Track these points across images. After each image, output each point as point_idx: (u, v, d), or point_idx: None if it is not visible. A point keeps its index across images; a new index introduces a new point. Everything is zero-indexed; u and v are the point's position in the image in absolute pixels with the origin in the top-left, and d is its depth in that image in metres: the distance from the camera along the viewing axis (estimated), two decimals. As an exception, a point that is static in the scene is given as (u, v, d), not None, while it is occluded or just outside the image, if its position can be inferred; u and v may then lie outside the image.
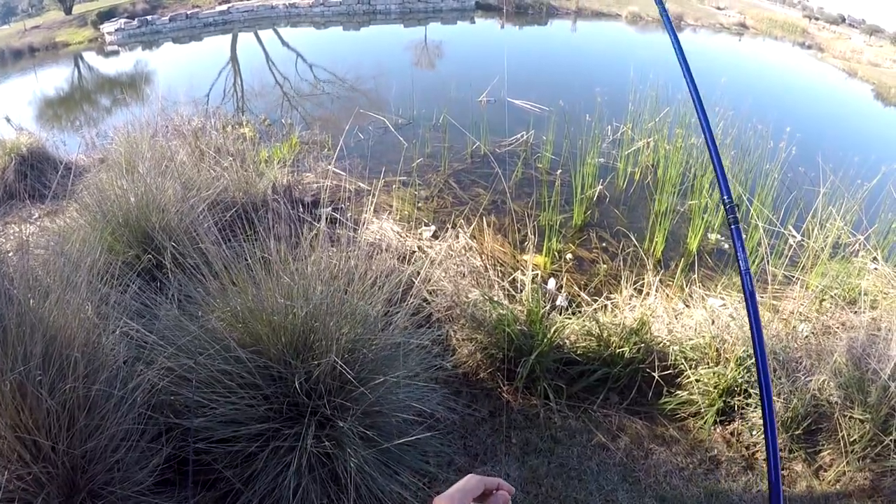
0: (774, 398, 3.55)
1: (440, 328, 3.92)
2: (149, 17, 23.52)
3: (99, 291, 2.52)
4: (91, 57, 20.66)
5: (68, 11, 27.12)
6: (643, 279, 4.92)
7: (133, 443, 2.34)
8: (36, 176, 6.39)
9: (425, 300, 3.96)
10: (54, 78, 17.47)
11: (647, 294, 4.65)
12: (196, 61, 18.77)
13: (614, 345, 3.94)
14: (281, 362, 2.50)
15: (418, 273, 3.65)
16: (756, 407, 3.66)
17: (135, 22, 22.94)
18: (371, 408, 2.47)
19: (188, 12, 24.59)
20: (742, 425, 3.73)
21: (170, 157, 5.14)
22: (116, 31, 22.24)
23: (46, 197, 5.30)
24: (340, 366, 2.28)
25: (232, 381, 2.41)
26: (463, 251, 5.06)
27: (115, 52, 20.89)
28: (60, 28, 24.18)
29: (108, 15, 24.27)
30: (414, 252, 4.99)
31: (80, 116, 12.33)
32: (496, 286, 4.53)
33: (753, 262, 5.50)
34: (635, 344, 3.93)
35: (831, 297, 4.59)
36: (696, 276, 5.09)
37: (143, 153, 5.09)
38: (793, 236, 6.08)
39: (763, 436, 3.55)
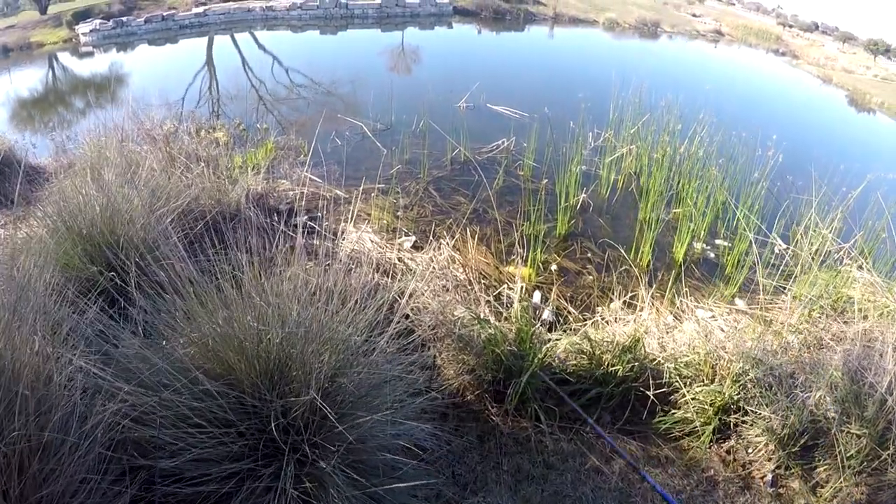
0: (772, 415, 3.46)
1: (425, 348, 3.74)
2: (124, 19, 23.16)
3: (52, 317, 2.29)
4: (65, 58, 20.33)
5: (43, 11, 26.69)
6: (633, 292, 4.81)
7: (94, 485, 2.11)
8: (2, 180, 6.12)
9: (407, 316, 3.78)
10: (28, 78, 17.12)
11: (641, 309, 4.52)
12: (171, 64, 18.52)
13: (607, 363, 3.81)
14: (255, 395, 2.29)
15: (402, 292, 3.45)
16: (752, 424, 3.56)
17: (110, 23, 22.58)
18: (354, 445, 2.26)
19: (164, 14, 24.27)
20: (738, 443, 3.62)
21: (138, 163, 4.90)
22: (91, 31, 21.87)
23: (10, 202, 5.05)
24: (321, 404, 2.07)
25: (202, 417, 2.19)
26: (446, 264, 4.88)
27: (90, 53, 20.55)
28: (35, 28, 23.77)
29: (83, 15, 23.89)
30: (395, 264, 4.81)
31: (54, 118, 12.02)
32: (482, 301, 4.37)
33: (741, 272, 5.41)
34: (628, 362, 3.79)
35: (820, 307, 4.51)
36: (684, 286, 4.98)
37: (111, 159, 4.85)
38: (779, 245, 6.03)
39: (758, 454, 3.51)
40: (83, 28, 22.00)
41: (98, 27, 22.03)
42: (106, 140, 5.64)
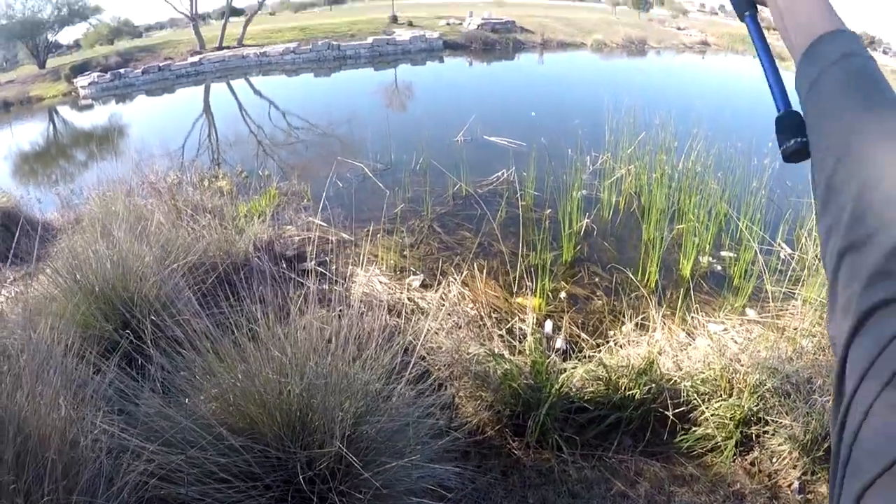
0: (792, 422, 3.45)
1: (442, 388, 3.74)
2: (122, 71, 23.56)
3: (75, 381, 2.31)
4: (65, 111, 20.68)
5: (42, 66, 27.16)
6: (643, 313, 4.81)
7: (122, 546, 2.12)
8: (10, 237, 6.17)
9: (422, 357, 3.78)
10: (29, 132, 17.40)
11: (653, 330, 4.52)
12: (170, 113, 18.77)
13: (624, 387, 3.80)
14: (279, 447, 2.30)
15: (417, 335, 3.46)
16: (774, 433, 3.54)
17: (108, 75, 22.98)
18: (381, 490, 2.27)
19: (160, 65, 24.67)
20: (762, 454, 3.59)
21: (146, 217, 4.95)
22: (90, 84, 22.25)
23: (19, 260, 5.08)
24: (346, 454, 2.08)
25: (228, 472, 2.20)
26: (456, 301, 4.90)
27: (90, 106, 20.89)
28: (34, 82, 24.19)
29: (81, 69, 24.31)
30: (405, 304, 4.82)
31: (56, 171, 12.17)
32: (495, 336, 4.37)
33: (749, 281, 5.42)
34: (645, 384, 3.78)
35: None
36: (693, 302, 4.98)
37: (119, 213, 4.90)
38: (785, 251, 6.05)
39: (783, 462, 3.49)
40: (82, 81, 22.39)
41: (96, 80, 22.41)
42: (112, 194, 5.70)
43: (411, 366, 2.70)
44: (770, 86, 0.87)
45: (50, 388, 2.12)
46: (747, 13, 0.94)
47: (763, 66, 0.91)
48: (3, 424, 1.91)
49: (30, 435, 1.99)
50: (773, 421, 3.55)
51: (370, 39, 28.86)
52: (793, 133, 0.76)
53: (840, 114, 0.67)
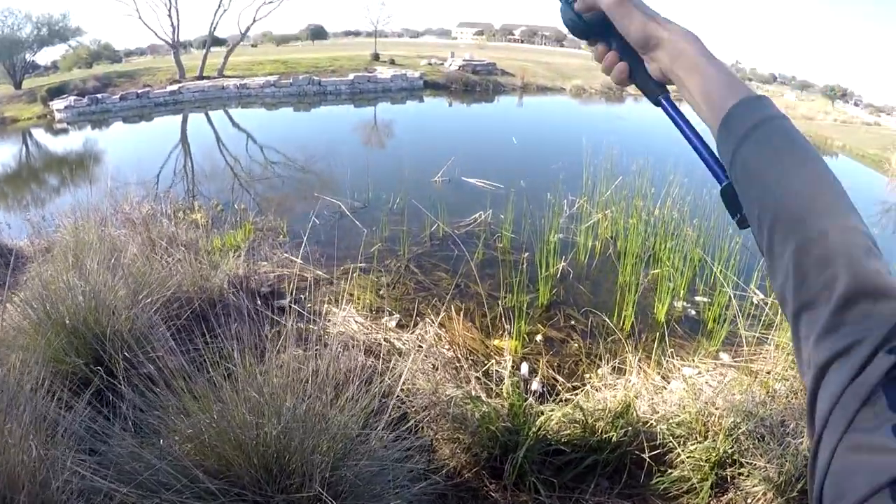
0: (767, 464, 3.47)
1: (420, 430, 3.70)
2: (99, 96, 23.42)
3: (45, 419, 2.25)
4: (40, 134, 20.45)
5: (17, 86, 26.93)
6: (619, 356, 4.83)
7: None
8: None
9: (400, 400, 3.74)
10: (1, 154, 17.11)
11: (630, 373, 4.54)
12: (146, 142, 18.61)
13: (601, 430, 3.80)
14: (256, 490, 2.25)
15: (395, 377, 3.43)
16: (749, 475, 3.55)
17: (85, 100, 22.82)
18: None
19: (139, 91, 24.59)
20: (737, 495, 3.58)
21: (120, 248, 4.88)
22: (66, 108, 22.07)
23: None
24: (325, 497, 2.04)
25: (203, 516, 2.14)
26: (433, 342, 4.88)
27: (65, 130, 20.69)
28: (9, 103, 23.94)
29: (58, 91, 24.12)
30: (381, 344, 4.79)
31: (28, 196, 11.98)
32: (472, 378, 4.35)
33: (723, 326, 5.47)
34: (621, 427, 3.79)
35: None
36: (668, 346, 5.02)
37: (92, 243, 4.82)
38: (757, 296, 6.14)
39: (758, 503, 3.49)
40: (58, 104, 22.22)
41: (73, 104, 22.26)
42: (84, 223, 5.62)
43: (390, 409, 2.66)
44: (704, 161, 0.89)
45: (19, 426, 2.06)
46: (661, 96, 0.96)
47: (691, 144, 0.92)
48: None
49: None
50: (747, 463, 3.57)
51: (351, 76, 29.11)
52: (738, 204, 0.78)
53: (761, 183, 0.71)
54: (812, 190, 0.66)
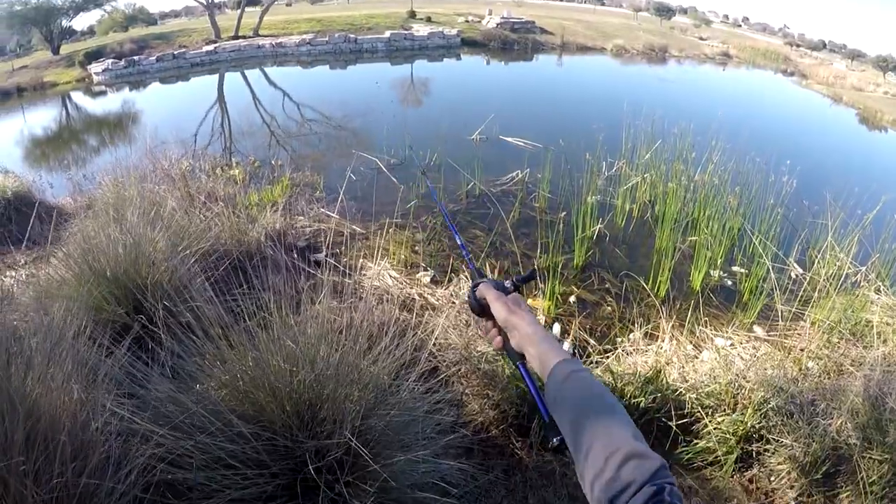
0: (794, 442, 3.43)
1: (450, 385, 3.73)
2: (136, 58, 23.60)
3: (86, 364, 2.31)
4: (78, 97, 20.68)
5: (56, 52, 27.21)
6: (652, 322, 4.79)
7: (129, 530, 2.12)
8: (21, 220, 6.19)
9: (432, 354, 3.77)
10: (42, 118, 17.41)
11: (662, 340, 4.50)
12: (183, 101, 18.75)
13: (629, 395, 3.78)
14: (287, 435, 2.29)
15: (427, 331, 3.45)
16: (775, 452, 3.53)
17: (122, 62, 23.03)
18: (387, 483, 2.26)
19: (175, 52, 24.69)
20: (761, 472, 3.57)
21: (159, 203, 4.94)
22: (104, 71, 22.30)
23: (31, 243, 5.09)
24: (357, 446, 2.08)
25: (236, 459, 2.19)
26: (467, 299, 4.88)
27: (103, 93, 20.91)
28: (48, 68, 24.23)
29: (95, 55, 24.35)
30: (415, 299, 4.81)
31: (69, 156, 12.16)
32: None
33: (759, 298, 5.39)
34: (650, 393, 3.77)
35: (839, 332, 4.48)
36: (702, 315, 4.96)
37: (132, 199, 4.89)
38: (796, 271, 6.01)
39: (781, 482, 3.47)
40: (96, 67, 22.42)
41: (110, 66, 22.44)
42: (124, 180, 5.70)
43: (422, 362, 2.69)
44: (540, 406, 1.18)
45: (61, 370, 2.12)
46: (518, 362, 1.29)
47: (536, 397, 1.22)
48: (13, 406, 1.91)
49: (41, 417, 2.00)
50: (774, 440, 3.54)
51: (387, 34, 28.85)
52: (556, 432, 1.09)
53: (570, 421, 1.06)
54: (594, 431, 1.01)
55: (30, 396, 2.00)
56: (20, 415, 1.87)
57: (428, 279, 5.42)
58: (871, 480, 3.20)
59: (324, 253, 5.48)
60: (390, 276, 5.26)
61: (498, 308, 1.31)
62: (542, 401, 1.18)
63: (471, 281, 1.64)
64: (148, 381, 2.49)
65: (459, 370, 3.84)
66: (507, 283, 1.40)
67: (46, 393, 2.03)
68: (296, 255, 5.21)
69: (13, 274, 4.67)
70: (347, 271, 4.84)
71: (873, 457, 3.25)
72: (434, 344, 3.78)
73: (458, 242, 1.78)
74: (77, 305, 2.95)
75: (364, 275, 5.13)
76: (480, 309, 1.40)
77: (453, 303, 4.79)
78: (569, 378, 1.10)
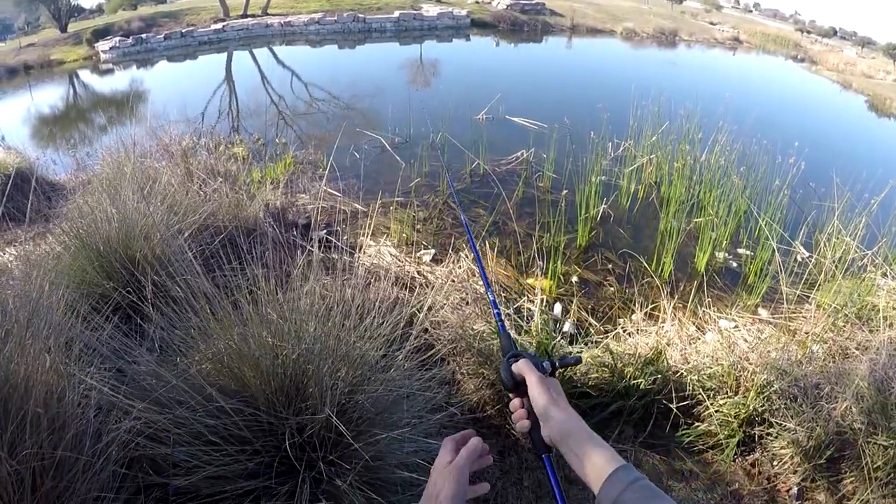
0: (797, 427, 3.39)
1: (444, 363, 3.68)
2: (143, 36, 23.53)
3: (65, 334, 2.26)
4: (86, 75, 20.63)
5: (63, 29, 27.17)
6: (654, 303, 4.74)
7: (108, 503, 2.08)
8: (23, 197, 6.16)
9: (426, 330, 3.72)
10: (49, 96, 17.38)
11: (663, 320, 4.44)
12: (190, 79, 18.69)
13: (629, 375, 3.73)
14: (271, 412, 2.24)
15: (421, 307, 3.39)
16: (777, 436, 3.49)
17: (129, 40, 22.96)
18: (371, 462, 2.21)
19: (183, 31, 24.61)
20: (763, 456, 3.54)
21: (155, 178, 4.90)
22: (111, 49, 22.23)
23: (30, 220, 5.07)
24: (335, 422, 2.02)
25: (217, 434, 2.15)
26: (465, 277, 4.83)
27: (110, 71, 20.85)
28: (55, 46, 24.19)
29: (102, 33, 24.30)
30: (413, 278, 4.76)
31: (75, 135, 12.17)
32: (502, 315, 4.30)
33: (764, 280, 5.31)
34: (651, 374, 3.72)
35: (845, 315, 4.41)
36: (706, 296, 4.90)
37: (128, 175, 4.85)
38: (802, 254, 5.95)
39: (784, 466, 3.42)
40: (103, 45, 22.36)
41: (118, 44, 22.38)
42: (123, 156, 5.67)
43: (413, 338, 2.63)
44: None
45: (38, 340, 2.07)
46: (544, 454, 1.25)
47: (557, 495, 1.19)
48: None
49: (16, 386, 1.95)
50: (777, 423, 3.50)
51: (397, 13, 28.66)
52: None
53: None
54: None
55: (7, 365, 1.95)
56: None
57: (429, 258, 5.38)
58: (875, 466, 3.15)
59: (324, 230, 5.44)
60: (390, 253, 5.22)
61: (539, 393, 1.25)
62: (563, 499, 1.18)
63: (503, 354, 1.44)
64: (131, 354, 2.45)
65: (455, 348, 3.79)
66: (546, 364, 1.33)
67: (23, 362, 1.98)
68: (296, 233, 5.17)
69: (11, 251, 4.64)
70: (347, 248, 4.80)
71: (878, 442, 3.20)
72: (429, 321, 3.73)
73: (478, 266, 1.73)
74: (64, 277, 2.90)
75: (364, 252, 5.09)
76: (514, 385, 1.33)
77: (452, 280, 4.74)
78: (635, 485, 1.06)
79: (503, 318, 1.59)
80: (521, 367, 1.31)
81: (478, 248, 5.29)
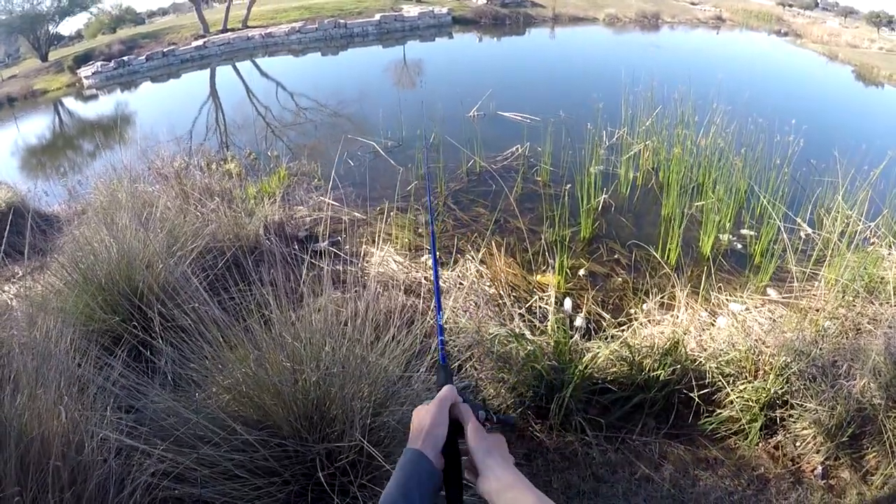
0: (818, 406, 3.35)
1: (463, 370, 3.63)
2: (125, 58, 23.40)
3: (77, 380, 2.19)
4: (70, 102, 20.53)
5: (44, 58, 27.01)
6: (665, 291, 4.69)
7: (136, 549, 2.02)
8: (16, 231, 6.09)
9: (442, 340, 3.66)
10: (36, 126, 17.27)
11: (677, 308, 4.39)
12: (176, 99, 18.59)
13: (648, 367, 3.69)
14: (296, 439, 2.18)
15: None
16: (799, 417, 3.45)
17: (111, 64, 22.84)
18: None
19: (164, 50, 24.47)
20: (786, 438, 3.50)
21: (152, 203, 4.83)
22: (94, 74, 22.11)
23: (25, 255, 5.00)
24: (367, 447, 1.96)
25: (244, 468, 2.09)
26: (475, 279, 4.77)
27: (94, 96, 20.73)
28: (38, 76, 24.06)
29: (84, 59, 24.17)
30: (421, 283, 4.71)
31: (65, 163, 12.09)
32: (515, 315, 4.25)
33: (771, 260, 5.27)
34: (669, 365, 3.67)
35: (854, 290, 4.37)
36: (714, 281, 4.85)
37: (123, 202, 4.78)
38: (806, 230, 5.91)
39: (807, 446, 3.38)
40: (85, 71, 22.25)
41: (100, 69, 22.27)
42: (116, 182, 5.60)
43: (432, 350, 2.57)
44: None
45: (50, 391, 2.00)
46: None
47: None
48: (3, 432, 1.80)
49: (32, 441, 1.89)
50: (798, 405, 3.47)
51: (378, 16, 28.54)
52: None
53: None
54: None
55: (20, 421, 1.88)
56: (11, 442, 1.76)
57: (433, 261, 5.31)
58: (897, 440, 3.13)
59: (325, 242, 5.38)
60: (394, 260, 5.16)
61: (477, 441, 1.06)
62: None
63: (437, 376, 1.27)
64: (146, 393, 2.38)
65: (472, 354, 3.74)
66: (482, 413, 1.13)
67: (36, 415, 1.91)
68: (296, 247, 5.10)
69: (9, 289, 4.57)
70: (351, 259, 4.74)
71: (899, 416, 3.18)
72: (444, 329, 3.68)
73: (434, 281, 1.47)
74: (68, 317, 2.84)
75: (368, 261, 5.03)
76: (447, 423, 1.12)
77: (461, 284, 4.68)
78: None
79: (445, 349, 1.35)
80: (462, 411, 1.13)
81: (478, 248, 5.24)
